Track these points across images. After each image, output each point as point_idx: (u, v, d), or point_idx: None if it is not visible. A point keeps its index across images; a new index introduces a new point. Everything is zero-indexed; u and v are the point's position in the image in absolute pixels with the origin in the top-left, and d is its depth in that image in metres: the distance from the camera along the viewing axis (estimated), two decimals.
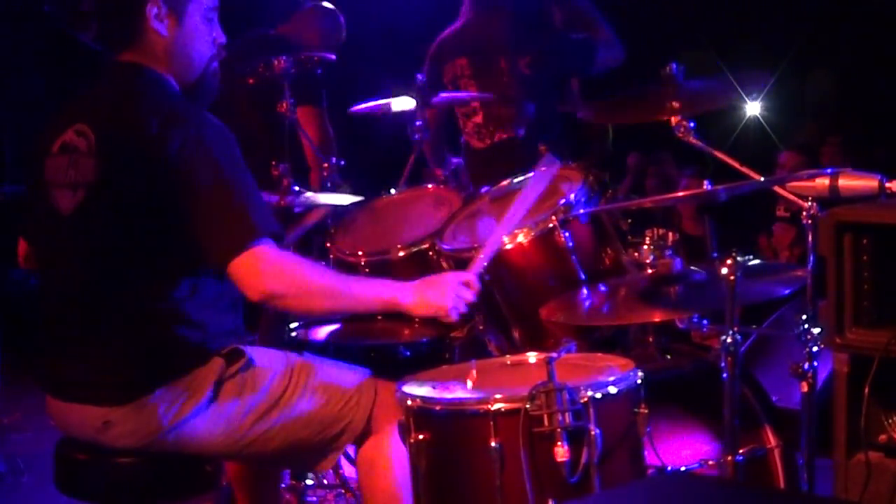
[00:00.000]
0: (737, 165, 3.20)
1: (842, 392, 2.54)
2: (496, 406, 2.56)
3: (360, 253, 3.59)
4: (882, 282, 2.50)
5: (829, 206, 2.63)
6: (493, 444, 2.54)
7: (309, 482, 3.80)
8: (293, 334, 3.61)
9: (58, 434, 2.91)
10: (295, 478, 3.67)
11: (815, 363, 2.88)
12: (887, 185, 2.63)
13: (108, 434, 2.75)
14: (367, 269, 3.58)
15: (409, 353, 3.46)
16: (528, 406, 2.52)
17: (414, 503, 2.76)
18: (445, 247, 3.36)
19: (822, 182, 2.70)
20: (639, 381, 2.67)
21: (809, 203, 2.84)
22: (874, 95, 7.36)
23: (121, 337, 2.75)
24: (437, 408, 2.66)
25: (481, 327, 3.35)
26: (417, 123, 4.27)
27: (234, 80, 4.09)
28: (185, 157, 2.67)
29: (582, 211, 3.20)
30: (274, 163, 3.97)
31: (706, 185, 2.88)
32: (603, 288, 3.11)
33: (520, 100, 4.60)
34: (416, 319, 3.32)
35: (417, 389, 2.73)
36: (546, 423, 2.51)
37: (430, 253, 3.45)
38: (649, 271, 2.91)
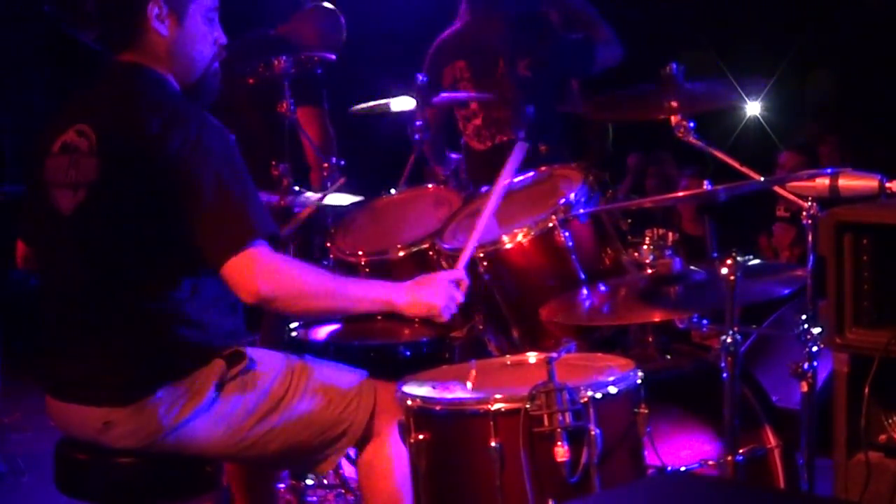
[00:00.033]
0: (737, 165, 3.20)
1: (842, 392, 2.54)
2: (496, 406, 2.56)
3: (360, 253, 3.60)
4: (882, 282, 2.50)
5: (829, 206, 2.63)
6: (493, 444, 2.54)
7: (309, 482, 3.80)
8: (293, 335, 3.61)
9: (58, 434, 2.91)
10: (295, 478, 3.67)
11: (815, 363, 2.88)
12: (887, 185, 2.63)
13: (108, 434, 2.74)
14: (367, 269, 3.58)
15: (409, 353, 3.46)
16: (528, 406, 2.53)
17: (414, 503, 2.76)
18: (445, 247, 3.35)
19: (822, 182, 2.70)
20: (639, 381, 2.67)
21: (809, 203, 2.84)
22: (874, 95, 7.35)
23: (121, 337, 2.75)
24: (437, 408, 2.66)
25: (481, 327, 3.35)
26: (417, 123, 4.27)
27: (235, 81, 4.09)
28: (184, 157, 2.67)
29: (582, 211, 3.20)
30: (274, 163, 3.97)
31: (706, 185, 2.88)
32: (603, 288, 3.11)
33: (519, 102, 4.60)
34: (416, 320, 3.32)
35: (417, 389, 2.73)
36: (546, 423, 2.51)
37: (430, 253, 3.45)
38: (649, 271, 2.91)
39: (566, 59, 4.67)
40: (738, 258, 2.61)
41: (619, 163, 7.57)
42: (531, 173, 3.56)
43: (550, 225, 3.17)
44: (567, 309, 3.09)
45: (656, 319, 3.03)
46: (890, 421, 2.51)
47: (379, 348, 3.52)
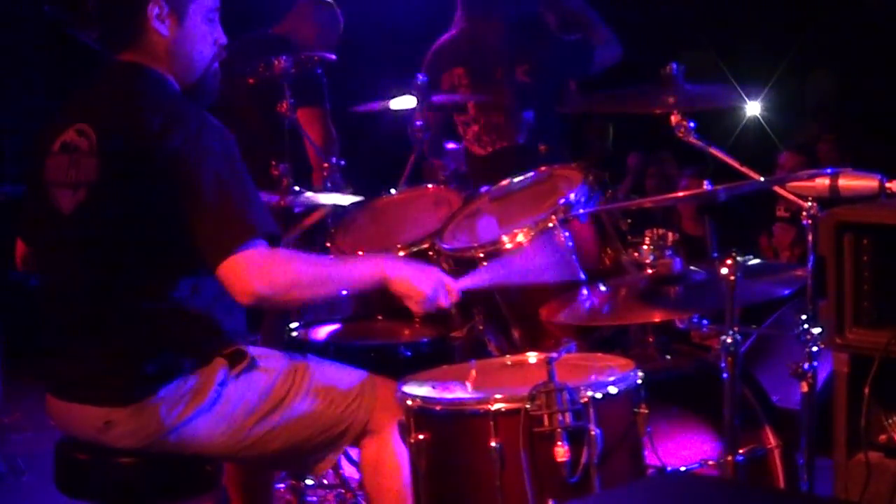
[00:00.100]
0: (737, 165, 3.20)
1: (842, 392, 2.54)
2: (496, 406, 2.56)
3: (360, 253, 3.60)
4: (882, 282, 2.50)
5: (829, 206, 2.63)
6: (493, 444, 2.54)
7: (309, 482, 3.80)
8: (293, 335, 3.62)
9: (58, 434, 2.91)
10: (295, 478, 3.67)
11: (815, 363, 2.88)
12: (887, 185, 2.62)
13: (109, 434, 2.74)
14: None
15: (409, 353, 3.46)
16: (528, 406, 2.53)
17: (414, 503, 2.76)
18: (445, 247, 3.35)
19: (823, 182, 2.70)
20: (639, 381, 2.67)
21: (809, 203, 2.84)
22: (874, 95, 7.35)
23: (121, 337, 2.75)
24: (437, 408, 2.66)
25: (481, 327, 3.35)
26: (418, 124, 4.27)
27: (235, 81, 4.09)
28: (184, 157, 2.67)
29: (582, 211, 3.20)
30: (274, 163, 3.97)
31: (706, 185, 2.88)
32: (603, 288, 3.11)
33: (519, 108, 4.60)
34: (416, 320, 3.33)
35: (417, 389, 2.73)
36: (546, 423, 2.51)
37: (430, 253, 3.45)
38: (649, 271, 2.91)
39: (565, 61, 4.66)
40: (738, 258, 2.61)
41: (619, 163, 7.57)
42: (531, 173, 3.56)
43: (550, 225, 3.17)
44: (567, 309, 3.09)
45: (656, 319, 3.03)
46: (890, 421, 2.51)
47: (379, 348, 3.53)
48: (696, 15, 7.68)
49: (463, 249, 3.28)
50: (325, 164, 4.37)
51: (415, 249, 3.48)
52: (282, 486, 3.73)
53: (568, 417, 2.51)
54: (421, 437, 2.65)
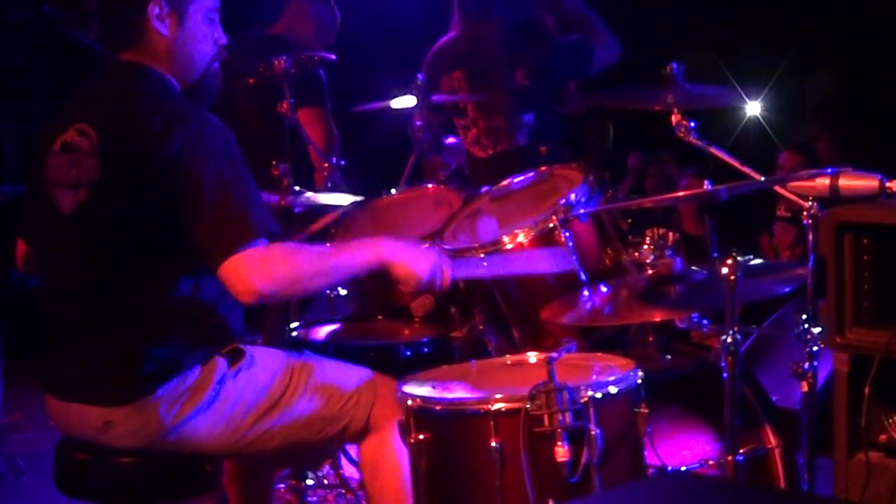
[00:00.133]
0: (737, 165, 3.20)
1: (842, 392, 2.54)
2: (496, 406, 2.56)
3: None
4: (882, 282, 2.50)
5: (829, 206, 2.63)
6: (493, 444, 2.54)
7: (309, 482, 3.80)
8: (293, 334, 3.62)
9: (58, 434, 2.91)
10: (295, 478, 3.67)
11: (815, 363, 2.88)
12: (887, 185, 2.62)
13: (108, 434, 2.74)
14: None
15: (409, 353, 3.46)
16: (528, 406, 2.53)
17: (414, 503, 2.76)
18: (445, 247, 3.35)
19: (823, 182, 2.70)
20: (639, 381, 2.67)
21: (810, 203, 2.84)
22: (874, 95, 7.35)
23: (121, 337, 2.75)
24: (438, 408, 2.66)
25: (481, 327, 3.35)
26: (418, 123, 4.27)
27: (235, 81, 4.09)
28: (185, 156, 2.67)
29: (582, 211, 3.20)
30: (274, 163, 3.97)
31: (706, 185, 2.88)
32: (604, 288, 3.11)
33: (518, 111, 4.60)
34: (414, 317, 3.33)
35: (417, 389, 2.73)
36: (546, 423, 2.51)
37: None
38: (649, 271, 2.91)
39: (564, 63, 4.66)
40: (739, 258, 2.61)
41: (619, 163, 7.57)
42: (531, 173, 3.56)
43: (550, 225, 3.17)
44: (568, 310, 3.09)
45: (657, 319, 3.03)
46: (890, 421, 2.51)
47: (379, 348, 3.53)
48: (696, 15, 7.68)
49: (463, 249, 3.28)
50: (325, 165, 4.37)
51: None
52: (282, 486, 3.73)
53: (568, 417, 2.51)
54: (421, 436, 2.65)
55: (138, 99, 2.78)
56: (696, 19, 7.69)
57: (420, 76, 4.28)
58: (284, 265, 2.69)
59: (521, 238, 3.19)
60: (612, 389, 2.60)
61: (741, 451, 2.68)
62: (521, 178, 3.53)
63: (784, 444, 3.06)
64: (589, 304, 3.11)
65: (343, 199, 4.01)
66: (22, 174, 3.24)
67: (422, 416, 2.66)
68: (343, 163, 4.42)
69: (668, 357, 3.24)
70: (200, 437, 2.77)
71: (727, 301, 2.63)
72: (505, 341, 3.32)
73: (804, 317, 2.86)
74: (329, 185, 4.35)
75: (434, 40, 4.84)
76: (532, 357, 2.90)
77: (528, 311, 3.19)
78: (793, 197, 2.91)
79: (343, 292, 3.99)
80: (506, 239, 3.19)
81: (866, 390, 2.46)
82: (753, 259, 2.92)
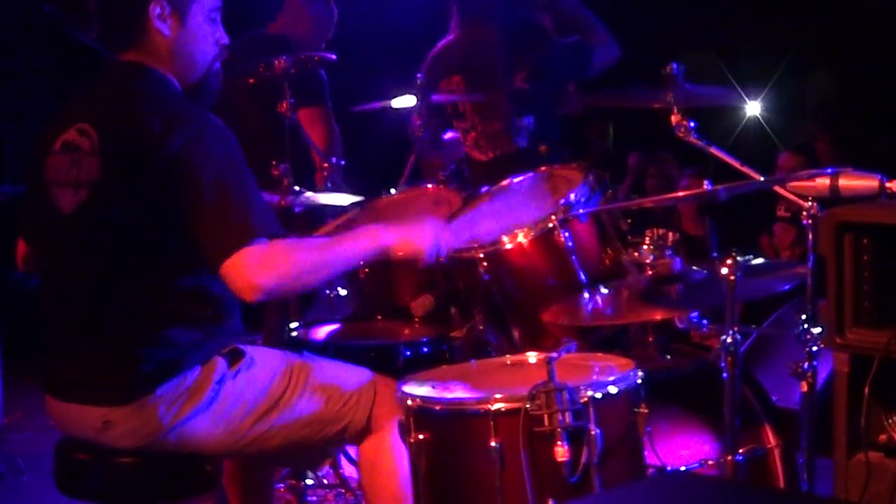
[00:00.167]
0: (737, 165, 3.20)
1: (842, 392, 2.54)
2: (496, 406, 2.56)
3: None
4: (882, 282, 2.51)
5: (829, 206, 2.63)
6: (493, 444, 2.54)
7: (309, 482, 3.80)
8: (293, 334, 3.62)
9: (58, 434, 2.91)
10: (295, 478, 3.67)
11: (815, 363, 2.88)
12: (887, 185, 2.63)
13: (108, 434, 2.75)
14: (366, 269, 3.59)
15: (409, 353, 3.46)
16: (528, 406, 2.53)
17: (414, 503, 2.76)
18: None
19: (823, 182, 2.70)
20: (639, 381, 2.67)
21: (810, 203, 2.84)
22: (874, 95, 7.35)
23: (121, 337, 2.75)
24: (437, 408, 2.66)
25: (481, 327, 3.35)
26: (418, 123, 4.27)
27: (235, 81, 4.09)
28: (185, 156, 2.67)
29: (582, 211, 3.20)
30: (274, 163, 3.97)
31: (706, 185, 2.88)
32: (604, 289, 3.11)
33: (518, 114, 4.59)
34: (414, 317, 3.33)
35: (417, 389, 2.73)
36: (546, 422, 2.51)
37: None
38: (649, 271, 2.91)
39: (563, 65, 4.65)
40: (739, 258, 2.61)
41: (619, 163, 7.57)
42: (531, 173, 3.56)
43: (550, 225, 3.17)
44: (568, 310, 3.09)
45: (657, 319, 3.03)
46: (890, 421, 2.52)
47: (379, 348, 3.53)
48: (696, 15, 7.68)
49: (463, 249, 3.28)
50: (325, 165, 4.37)
51: None
52: (282, 486, 3.73)
53: (568, 417, 2.51)
54: (421, 436, 2.65)
55: (139, 99, 2.78)
56: (696, 19, 7.68)
57: (420, 76, 4.28)
58: (285, 260, 2.69)
59: (520, 238, 3.19)
60: (612, 389, 2.60)
61: (741, 451, 2.69)
62: (521, 178, 3.53)
63: (784, 444, 3.06)
64: (589, 305, 3.11)
65: (343, 199, 4.01)
66: (22, 174, 3.24)
67: (422, 416, 2.66)
68: (343, 163, 4.42)
69: (668, 357, 3.24)
70: (200, 437, 2.77)
71: (727, 301, 2.63)
72: (505, 341, 3.32)
73: (804, 317, 2.86)
74: (329, 185, 4.35)
75: (434, 40, 4.83)
76: (532, 357, 2.90)
77: (528, 311, 3.19)
78: (793, 197, 2.91)
79: (343, 292, 4.00)
80: (505, 239, 3.19)
81: (866, 390, 2.46)
82: (755, 259, 2.93)
